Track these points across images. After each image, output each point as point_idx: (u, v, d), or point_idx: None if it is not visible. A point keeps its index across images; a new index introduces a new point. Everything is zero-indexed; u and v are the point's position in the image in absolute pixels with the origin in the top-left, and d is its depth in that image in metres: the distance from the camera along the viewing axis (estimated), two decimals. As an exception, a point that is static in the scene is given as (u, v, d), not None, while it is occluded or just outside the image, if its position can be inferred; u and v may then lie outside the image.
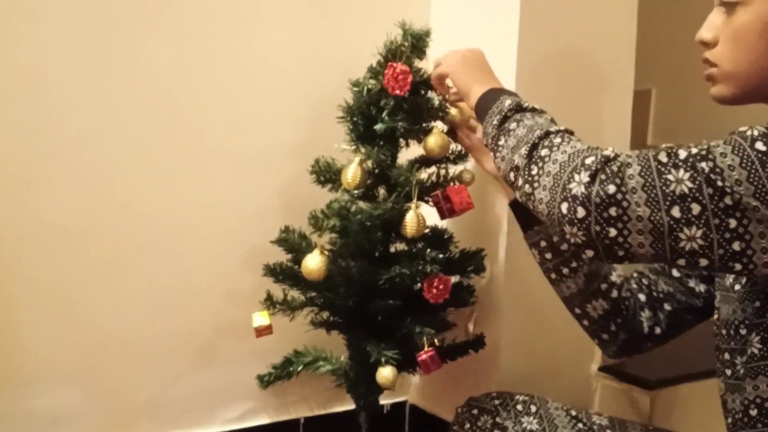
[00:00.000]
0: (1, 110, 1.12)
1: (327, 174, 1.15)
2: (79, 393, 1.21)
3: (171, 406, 1.30)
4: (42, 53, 1.14)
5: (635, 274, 1.05)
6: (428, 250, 1.13)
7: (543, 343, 1.38)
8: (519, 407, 1.03)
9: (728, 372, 0.85)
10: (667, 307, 1.00)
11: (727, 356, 0.85)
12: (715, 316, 0.89)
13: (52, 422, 1.19)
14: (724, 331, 0.86)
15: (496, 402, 1.05)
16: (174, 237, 1.28)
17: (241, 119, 1.32)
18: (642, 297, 1.02)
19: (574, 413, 1.02)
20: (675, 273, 1.00)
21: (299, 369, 1.30)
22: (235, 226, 1.33)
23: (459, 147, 1.22)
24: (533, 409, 1.03)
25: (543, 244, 1.04)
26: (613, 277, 1.03)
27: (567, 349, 1.41)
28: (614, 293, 1.01)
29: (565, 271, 1.02)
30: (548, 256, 1.04)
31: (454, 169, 1.21)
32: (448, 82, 1.08)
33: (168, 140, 1.26)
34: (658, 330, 1.01)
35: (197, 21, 1.27)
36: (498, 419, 1.02)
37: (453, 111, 1.18)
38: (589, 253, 0.70)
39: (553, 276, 1.04)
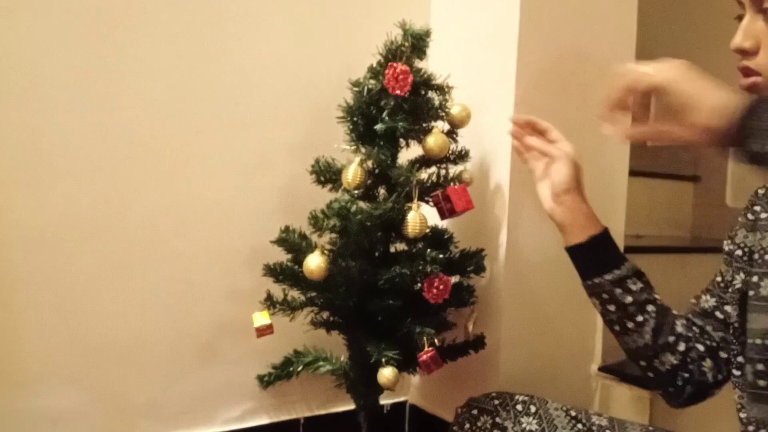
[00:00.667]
0: (1, 110, 1.12)
1: (327, 174, 1.15)
2: (79, 393, 1.21)
3: (171, 406, 1.30)
4: (42, 54, 1.14)
5: (684, 322, 1.00)
6: (428, 250, 1.13)
7: (543, 343, 1.38)
8: (518, 407, 1.03)
9: (762, 383, 0.82)
10: (722, 354, 0.97)
11: (761, 366, 0.83)
12: (749, 325, 0.86)
13: (52, 422, 1.19)
14: (759, 341, 0.83)
15: (496, 402, 1.05)
16: (174, 237, 1.28)
17: (241, 119, 1.32)
18: (700, 347, 0.98)
19: (573, 413, 1.02)
20: (719, 315, 0.97)
21: (299, 369, 1.30)
22: (235, 226, 1.33)
23: (459, 147, 1.22)
24: (533, 409, 1.03)
25: (605, 296, 0.98)
26: (679, 328, 0.98)
27: (567, 349, 1.41)
28: (681, 346, 0.97)
29: (630, 325, 0.97)
30: (611, 308, 0.98)
31: (454, 169, 1.21)
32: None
33: (168, 140, 1.26)
34: (720, 377, 0.97)
35: (197, 21, 1.27)
36: (498, 419, 1.02)
37: (454, 111, 1.18)
38: None
39: (617, 329, 0.99)
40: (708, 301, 0.99)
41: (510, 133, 1.09)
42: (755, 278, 0.86)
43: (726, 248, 0.97)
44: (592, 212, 1.03)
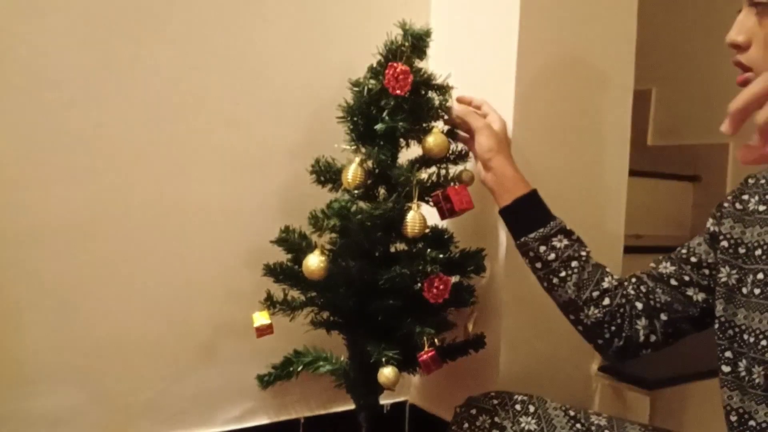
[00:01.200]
0: (2, 110, 1.12)
1: (327, 174, 1.15)
2: (79, 393, 1.21)
3: (171, 406, 1.30)
4: (43, 53, 1.14)
5: (633, 280, 1.05)
6: (428, 250, 1.13)
7: (543, 343, 1.38)
8: (517, 407, 1.03)
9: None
10: (663, 317, 1.00)
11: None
12: (753, 324, 0.86)
13: (52, 422, 1.19)
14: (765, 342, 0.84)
15: (495, 402, 1.05)
16: (174, 237, 1.28)
17: (241, 119, 1.32)
18: (639, 305, 1.02)
19: (572, 413, 1.02)
20: (673, 282, 1.00)
21: (299, 369, 1.30)
22: (235, 226, 1.33)
23: (459, 147, 1.22)
24: (531, 409, 1.03)
25: (531, 254, 1.06)
26: (606, 284, 1.03)
27: (567, 349, 1.41)
28: (606, 301, 1.02)
29: (555, 280, 1.04)
30: (538, 265, 1.06)
31: (454, 169, 1.21)
32: None
33: (168, 140, 1.26)
34: (653, 338, 1.02)
35: (198, 21, 1.27)
36: (496, 419, 1.02)
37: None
38: None
39: (545, 285, 1.06)
40: (667, 268, 1.02)
41: (452, 116, 1.18)
42: (760, 275, 0.85)
43: (711, 228, 0.97)
44: (519, 175, 1.12)
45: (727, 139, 2.33)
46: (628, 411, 1.42)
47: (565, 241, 1.05)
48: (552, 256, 1.04)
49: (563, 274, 1.03)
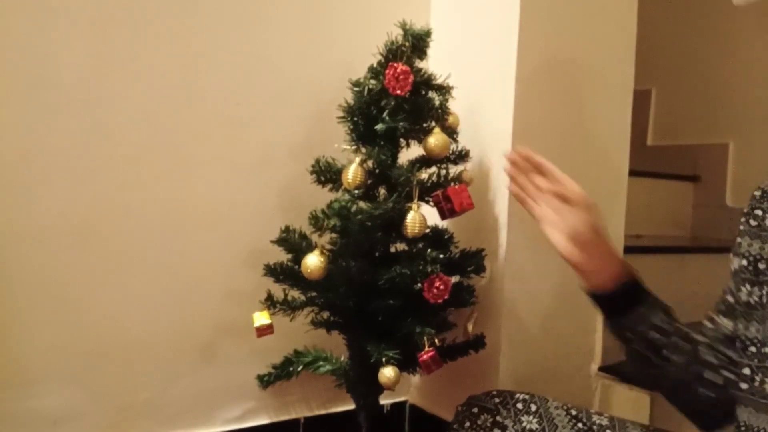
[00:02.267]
0: (2, 110, 1.12)
1: (327, 174, 1.15)
2: (79, 393, 1.21)
3: (171, 406, 1.30)
4: (44, 53, 1.14)
5: (707, 350, 0.94)
6: (428, 250, 1.13)
7: (543, 343, 1.38)
8: (519, 406, 1.03)
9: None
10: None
11: None
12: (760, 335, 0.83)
13: (52, 422, 1.19)
14: None
15: (496, 400, 1.04)
16: (174, 237, 1.28)
17: (241, 119, 1.32)
18: (729, 375, 0.90)
19: (574, 413, 1.02)
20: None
21: (299, 369, 1.30)
22: (235, 226, 1.33)
23: (459, 147, 1.22)
24: (533, 408, 1.03)
25: (628, 335, 0.93)
26: (711, 358, 0.91)
27: (567, 349, 1.41)
28: (717, 378, 0.91)
29: (666, 353, 0.92)
30: (642, 346, 0.93)
31: (454, 169, 1.21)
32: None
33: (169, 140, 1.26)
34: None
35: (198, 21, 1.27)
36: (498, 418, 1.02)
37: (451, 119, 1.19)
38: None
39: (653, 360, 0.93)
40: (728, 325, 0.92)
41: (506, 171, 0.97)
42: None
43: (735, 266, 0.91)
44: (613, 252, 0.94)
45: (727, 139, 2.33)
46: (628, 411, 1.42)
47: (674, 323, 0.93)
48: (655, 335, 0.91)
49: (666, 352, 0.91)
